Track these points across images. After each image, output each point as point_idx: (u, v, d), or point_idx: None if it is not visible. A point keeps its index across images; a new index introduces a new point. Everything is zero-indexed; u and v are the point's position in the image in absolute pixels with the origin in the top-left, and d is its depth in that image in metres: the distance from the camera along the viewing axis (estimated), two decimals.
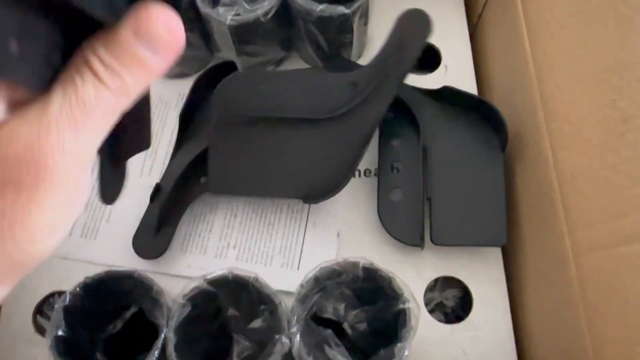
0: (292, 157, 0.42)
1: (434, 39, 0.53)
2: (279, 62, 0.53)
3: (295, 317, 0.35)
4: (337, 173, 0.42)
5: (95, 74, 0.17)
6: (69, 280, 0.45)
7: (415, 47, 0.41)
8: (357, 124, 0.42)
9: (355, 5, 0.45)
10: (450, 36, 0.53)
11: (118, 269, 0.38)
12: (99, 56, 0.17)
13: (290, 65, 0.54)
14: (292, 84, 0.43)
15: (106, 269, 0.39)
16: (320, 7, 0.45)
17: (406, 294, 0.35)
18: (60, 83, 0.17)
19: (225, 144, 0.43)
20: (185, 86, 0.50)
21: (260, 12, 0.45)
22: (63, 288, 0.45)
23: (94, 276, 0.37)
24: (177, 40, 0.18)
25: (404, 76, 0.42)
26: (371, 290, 0.38)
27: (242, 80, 0.44)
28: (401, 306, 0.35)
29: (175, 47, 0.18)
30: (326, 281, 0.37)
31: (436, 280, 0.46)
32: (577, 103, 0.38)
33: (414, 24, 0.42)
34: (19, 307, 0.45)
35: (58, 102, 0.17)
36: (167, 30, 0.17)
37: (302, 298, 0.36)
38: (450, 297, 0.46)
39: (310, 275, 0.36)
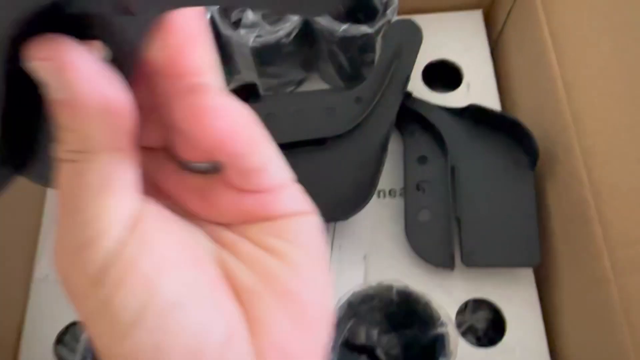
0: (311, 179, 0.42)
1: (454, 57, 0.53)
2: (299, 83, 0.53)
3: (331, 345, 0.33)
4: (359, 190, 0.41)
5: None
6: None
7: (411, 53, 0.43)
8: (368, 138, 0.42)
9: (379, 24, 0.44)
10: (470, 53, 0.53)
11: None
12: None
13: (310, 86, 0.53)
14: (302, 106, 0.44)
15: None
16: (343, 27, 0.44)
17: (443, 318, 0.34)
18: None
19: None
20: None
21: (282, 33, 0.45)
22: None
23: None
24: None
25: (405, 83, 0.43)
26: (405, 314, 0.36)
27: (258, 109, 0.44)
28: (438, 331, 0.34)
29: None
30: (359, 306, 0.36)
31: (466, 303, 0.44)
32: (611, 120, 0.37)
33: (405, 32, 0.44)
34: (39, 337, 0.44)
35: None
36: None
37: (336, 324, 0.34)
38: (481, 320, 0.45)
39: (343, 300, 0.35)
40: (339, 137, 0.43)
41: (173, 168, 0.19)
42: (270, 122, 0.43)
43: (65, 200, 0.15)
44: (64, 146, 0.15)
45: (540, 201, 0.44)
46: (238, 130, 0.17)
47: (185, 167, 0.19)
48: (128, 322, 0.15)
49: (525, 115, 0.47)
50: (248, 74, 0.50)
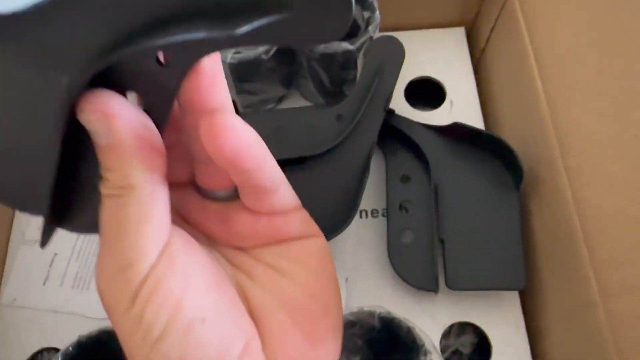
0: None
1: (437, 74, 0.52)
2: (280, 100, 0.52)
3: None
4: (340, 210, 0.40)
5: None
6: (60, 335, 0.42)
7: (393, 69, 0.43)
8: (350, 156, 0.41)
9: (360, 41, 0.44)
10: (453, 71, 0.52)
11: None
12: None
13: (290, 103, 0.52)
14: (281, 124, 0.43)
15: (100, 322, 0.36)
16: (322, 45, 0.43)
17: (427, 345, 0.33)
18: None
19: None
20: None
21: (261, 49, 0.44)
22: (53, 344, 0.42)
23: (88, 334, 0.34)
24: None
25: (387, 101, 0.42)
26: (388, 341, 0.35)
27: None
28: (422, 358, 0.33)
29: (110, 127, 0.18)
30: None
31: (451, 326, 0.43)
32: (596, 138, 0.36)
33: (388, 49, 0.43)
34: None
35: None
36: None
37: None
38: (466, 344, 0.44)
39: None
40: (319, 155, 0.42)
41: (197, 199, 0.22)
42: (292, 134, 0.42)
43: (108, 229, 0.18)
44: (108, 184, 0.18)
45: (525, 221, 0.43)
46: (249, 147, 0.19)
47: (208, 195, 0.22)
48: (156, 335, 0.17)
49: (509, 133, 0.47)
50: None
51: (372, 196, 0.47)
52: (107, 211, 0.18)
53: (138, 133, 0.17)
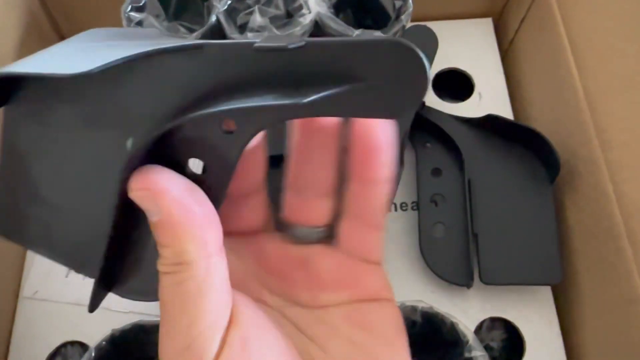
0: None
1: (465, 66, 0.51)
2: None
3: None
4: None
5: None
6: (83, 328, 0.41)
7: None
8: None
9: (392, 31, 0.43)
10: (481, 62, 0.51)
11: (148, 320, 0.34)
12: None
13: None
14: None
15: (125, 315, 0.35)
16: (357, 32, 0.42)
17: (471, 341, 0.32)
18: None
19: None
20: None
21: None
22: (77, 338, 0.41)
23: (122, 328, 0.33)
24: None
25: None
26: (428, 337, 0.34)
27: None
28: (467, 355, 0.32)
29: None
30: None
31: (482, 321, 0.42)
32: (639, 132, 0.36)
33: (420, 38, 0.41)
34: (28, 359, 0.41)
35: None
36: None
37: None
38: (496, 339, 0.43)
39: None
40: None
41: (276, 244, 0.22)
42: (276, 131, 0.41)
43: (167, 307, 0.17)
44: (164, 260, 0.17)
45: (560, 216, 0.43)
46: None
47: (293, 234, 0.21)
48: None
49: (541, 127, 0.46)
50: None
51: (401, 189, 0.46)
52: (165, 289, 0.18)
53: (189, 208, 0.17)
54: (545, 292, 0.42)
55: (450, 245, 0.42)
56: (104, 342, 0.33)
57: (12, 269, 0.43)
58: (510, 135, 0.44)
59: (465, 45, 0.52)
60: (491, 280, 0.40)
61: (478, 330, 0.42)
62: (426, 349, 0.35)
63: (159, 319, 0.34)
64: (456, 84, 0.51)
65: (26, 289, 0.43)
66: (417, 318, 0.33)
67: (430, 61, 0.42)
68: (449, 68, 0.51)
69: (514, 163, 0.43)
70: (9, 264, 0.43)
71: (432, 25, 0.49)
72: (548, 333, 0.41)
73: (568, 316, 0.42)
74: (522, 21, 0.50)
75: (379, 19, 0.46)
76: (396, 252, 0.44)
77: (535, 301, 0.42)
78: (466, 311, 0.42)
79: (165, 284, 0.18)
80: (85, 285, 0.42)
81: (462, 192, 0.43)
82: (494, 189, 0.43)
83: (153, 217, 0.17)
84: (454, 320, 0.33)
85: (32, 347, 0.41)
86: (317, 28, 0.44)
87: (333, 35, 0.43)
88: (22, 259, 0.44)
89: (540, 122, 0.47)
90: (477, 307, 0.42)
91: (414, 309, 0.33)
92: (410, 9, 0.43)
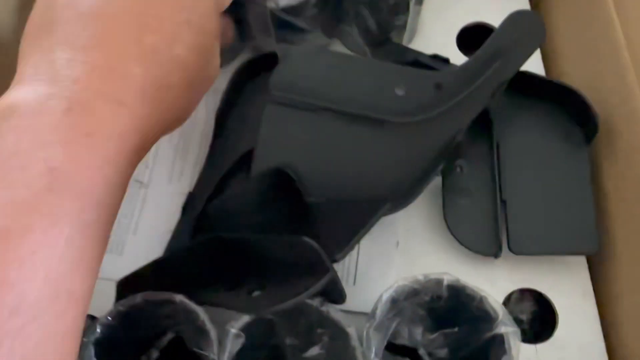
0: (358, 159, 0.36)
1: (493, 19, 0.48)
2: None
3: (373, 349, 0.29)
4: (408, 184, 0.35)
5: None
6: (94, 301, 0.40)
7: (522, 53, 0.36)
8: (434, 133, 0.35)
9: None
10: (508, 11, 0.48)
11: (155, 293, 0.32)
12: None
13: None
14: (364, 73, 0.37)
15: None
16: None
17: (502, 317, 0.30)
18: None
19: (277, 139, 0.37)
20: None
21: None
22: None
23: (127, 302, 0.32)
24: None
25: (500, 89, 0.36)
26: (454, 311, 0.32)
27: (304, 61, 0.37)
28: (496, 331, 0.30)
29: None
30: (402, 302, 0.31)
31: (510, 293, 0.40)
32: None
33: (524, 28, 0.36)
34: None
35: None
36: None
37: (379, 325, 0.30)
38: (525, 312, 0.41)
39: (386, 296, 0.31)
40: (405, 123, 0.36)
41: None
42: (329, 80, 0.36)
43: None
44: None
45: (596, 180, 0.39)
46: None
47: None
48: None
49: (576, 83, 0.42)
50: (263, 40, 0.44)
51: None
52: None
53: None
54: (580, 263, 0.40)
55: (477, 214, 0.39)
56: (109, 317, 0.31)
57: None
58: (542, 93, 0.40)
59: None
60: (521, 250, 0.38)
61: (506, 302, 0.40)
62: (453, 324, 0.33)
63: (165, 295, 0.32)
64: (484, 40, 0.48)
65: None
66: (443, 292, 0.31)
67: (527, 55, 0.37)
68: (475, 22, 0.47)
69: (547, 123, 0.40)
70: None
71: None
72: (582, 306, 0.39)
73: (604, 288, 0.39)
74: None
75: None
76: (419, 221, 0.41)
77: (568, 272, 0.39)
78: (494, 282, 0.39)
79: None
80: None
81: (490, 156, 0.40)
82: (524, 153, 0.40)
83: None
84: (483, 294, 0.30)
85: None
86: None
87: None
88: None
89: (575, 78, 0.43)
90: (505, 277, 0.39)
91: (439, 282, 0.30)
92: None
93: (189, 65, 0.24)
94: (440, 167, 0.36)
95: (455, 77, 0.36)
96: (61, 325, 0.19)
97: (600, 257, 0.39)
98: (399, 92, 0.35)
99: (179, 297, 0.31)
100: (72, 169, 0.19)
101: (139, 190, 0.43)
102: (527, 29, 0.36)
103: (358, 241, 0.31)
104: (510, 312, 0.40)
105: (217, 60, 0.29)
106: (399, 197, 0.34)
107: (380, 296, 0.31)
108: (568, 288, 0.39)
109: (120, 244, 0.41)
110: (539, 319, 0.40)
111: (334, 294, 0.30)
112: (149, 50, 0.23)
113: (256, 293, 0.32)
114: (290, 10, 0.40)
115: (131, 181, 0.43)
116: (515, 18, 0.36)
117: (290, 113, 0.37)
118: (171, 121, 0.25)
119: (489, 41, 0.36)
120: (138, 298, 0.31)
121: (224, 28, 0.31)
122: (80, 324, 0.20)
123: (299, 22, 0.42)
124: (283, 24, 0.42)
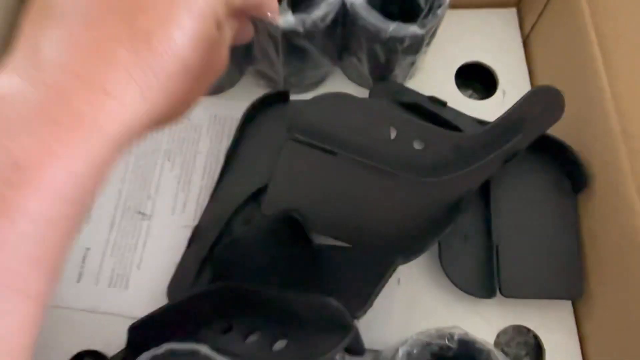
0: (372, 207, 0.38)
1: (488, 59, 0.49)
2: (322, 79, 0.48)
3: None
4: (421, 237, 0.37)
5: None
6: (99, 336, 0.40)
7: (540, 130, 0.38)
8: (449, 191, 0.37)
9: (429, 25, 0.40)
10: (505, 56, 0.49)
11: (179, 343, 0.32)
12: None
13: (333, 82, 0.48)
14: (385, 123, 0.38)
15: None
16: (393, 26, 0.39)
17: None
18: None
19: (293, 176, 0.38)
20: (215, 104, 0.45)
21: (320, 13, 0.39)
22: (93, 347, 0.39)
23: (150, 353, 0.32)
24: None
25: (512, 158, 0.38)
26: None
27: (325, 105, 0.38)
28: None
29: None
30: (416, 355, 0.33)
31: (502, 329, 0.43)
32: None
33: (546, 103, 0.37)
34: None
35: None
36: None
37: None
38: (516, 346, 0.43)
39: (402, 351, 0.32)
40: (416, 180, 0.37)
41: None
42: (348, 126, 0.37)
43: None
44: None
45: (581, 226, 0.42)
46: None
47: None
48: None
49: (564, 128, 0.44)
50: (265, 63, 0.44)
51: None
52: None
53: None
54: (566, 303, 0.42)
55: (471, 257, 0.41)
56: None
57: None
58: (535, 144, 0.42)
59: (488, 37, 0.50)
60: (511, 293, 0.40)
61: (497, 338, 0.43)
62: None
63: (190, 346, 0.33)
64: (480, 77, 0.49)
65: None
66: (453, 344, 0.33)
67: (545, 129, 0.39)
68: (472, 62, 0.49)
69: (538, 173, 0.42)
70: None
71: (452, 14, 0.47)
72: (568, 344, 0.41)
73: (590, 330, 0.42)
74: (540, 15, 0.48)
75: (405, 11, 0.43)
76: (418, 261, 0.43)
77: (555, 310, 0.42)
78: (488, 319, 0.42)
79: None
80: (99, 291, 0.41)
81: (484, 202, 0.42)
82: (515, 199, 0.42)
83: None
84: (489, 347, 0.33)
85: (48, 357, 0.39)
86: (345, 15, 0.41)
87: (367, 29, 0.40)
88: None
89: (563, 123, 0.45)
90: (498, 315, 0.42)
91: (450, 335, 0.32)
92: (447, 2, 0.40)
93: (188, 54, 0.22)
94: (452, 224, 0.37)
95: (476, 142, 0.37)
96: (9, 322, 0.18)
97: (585, 300, 0.42)
98: (418, 146, 0.37)
99: (204, 349, 0.32)
100: (36, 162, 0.18)
101: (142, 222, 0.43)
102: (549, 104, 0.37)
103: (377, 296, 0.33)
104: (502, 347, 0.43)
105: (223, 53, 0.26)
106: (411, 251, 0.36)
107: (397, 351, 0.32)
108: (555, 326, 0.42)
109: (125, 278, 0.41)
110: (530, 354, 0.43)
111: (356, 348, 0.32)
112: (141, 34, 0.20)
113: (277, 346, 0.33)
114: (300, 34, 0.40)
115: (134, 213, 0.44)
116: (538, 92, 0.37)
117: (309, 153, 0.38)
118: (165, 115, 0.23)
119: (510, 110, 0.37)
120: (162, 349, 0.32)
121: (241, 26, 0.28)
122: (36, 320, 0.19)
123: (308, 46, 0.42)
124: (289, 48, 0.41)
